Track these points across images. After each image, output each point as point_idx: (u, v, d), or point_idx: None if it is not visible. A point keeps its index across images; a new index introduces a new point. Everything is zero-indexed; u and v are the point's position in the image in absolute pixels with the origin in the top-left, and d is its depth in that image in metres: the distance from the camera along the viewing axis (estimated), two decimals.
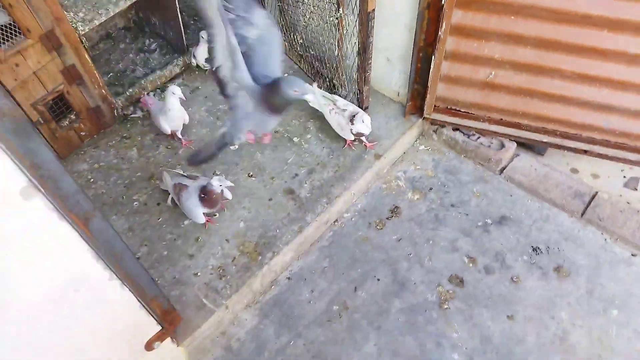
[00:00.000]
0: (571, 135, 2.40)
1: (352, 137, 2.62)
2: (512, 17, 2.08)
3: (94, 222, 1.38)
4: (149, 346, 1.91)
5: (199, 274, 2.31)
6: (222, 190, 2.29)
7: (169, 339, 2.02)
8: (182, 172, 2.45)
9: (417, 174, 2.76)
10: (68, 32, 2.41)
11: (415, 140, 2.90)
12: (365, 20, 2.19)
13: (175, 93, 2.58)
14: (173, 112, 2.62)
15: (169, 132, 2.70)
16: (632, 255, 2.35)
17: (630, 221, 2.38)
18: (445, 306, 2.27)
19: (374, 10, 2.15)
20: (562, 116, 2.34)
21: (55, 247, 1.31)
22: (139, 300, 1.71)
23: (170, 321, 1.98)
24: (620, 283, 2.27)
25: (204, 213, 2.31)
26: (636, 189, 2.55)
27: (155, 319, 1.86)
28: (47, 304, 1.40)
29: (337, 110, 2.61)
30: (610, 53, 2.07)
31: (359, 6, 2.18)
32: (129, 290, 1.64)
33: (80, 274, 1.43)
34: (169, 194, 2.46)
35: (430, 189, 2.68)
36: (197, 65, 3.17)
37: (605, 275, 2.29)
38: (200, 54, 3.05)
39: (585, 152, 2.45)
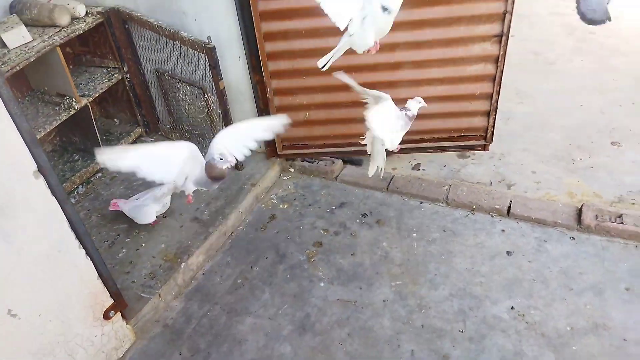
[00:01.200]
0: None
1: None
2: (304, 78, 3.55)
3: (67, 205, 2.38)
4: (106, 315, 2.73)
5: (135, 281, 3.20)
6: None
7: (120, 316, 2.85)
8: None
9: (284, 194, 3.97)
10: None
11: (280, 174, 4.16)
12: (220, 95, 3.54)
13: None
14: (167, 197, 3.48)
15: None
16: (420, 203, 3.68)
17: (415, 185, 3.76)
18: (312, 260, 3.36)
19: (224, 88, 3.52)
20: (355, 131, 3.75)
21: (48, 215, 2.28)
22: (97, 271, 2.62)
23: (119, 302, 2.84)
24: (416, 219, 3.55)
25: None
26: (419, 169, 3.98)
27: (109, 292, 2.73)
28: (43, 258, 2.31)
29: None
30: (365, 85, 3.56)
31: (215, 88, 3.55)
32: (91, 260, 2.56)
33: (62, 238, 2.37)
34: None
35: (295, 199, 3.89)
36: None
37: (406, 218, 3.57)
38: None
39: None
